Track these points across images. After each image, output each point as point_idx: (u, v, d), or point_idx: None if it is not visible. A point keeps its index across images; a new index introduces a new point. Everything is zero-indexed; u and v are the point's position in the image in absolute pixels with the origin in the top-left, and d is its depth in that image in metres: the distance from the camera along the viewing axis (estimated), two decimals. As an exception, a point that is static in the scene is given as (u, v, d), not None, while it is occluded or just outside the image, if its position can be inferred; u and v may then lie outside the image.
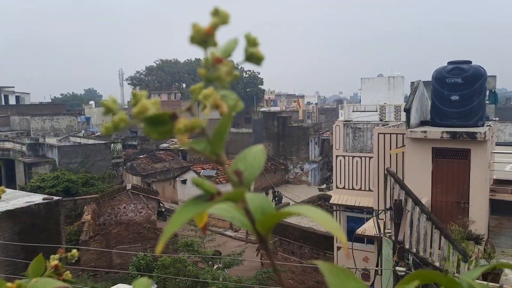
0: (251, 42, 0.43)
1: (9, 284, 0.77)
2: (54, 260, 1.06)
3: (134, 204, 23.96)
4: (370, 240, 15.76)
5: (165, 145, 45.78)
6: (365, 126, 19.20)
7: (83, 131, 46.78)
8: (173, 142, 46.76)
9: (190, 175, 33.51)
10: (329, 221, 0.43)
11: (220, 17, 0.41)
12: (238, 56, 0.44)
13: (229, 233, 28.08)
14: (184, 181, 33.89)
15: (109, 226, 22.04)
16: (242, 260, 17.04)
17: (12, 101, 57.00)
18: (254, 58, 0.44)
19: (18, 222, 12.84)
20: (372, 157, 15.29)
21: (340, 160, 19.06)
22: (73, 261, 1.12)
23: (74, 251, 1.09)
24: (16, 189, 22.28)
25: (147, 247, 19.26)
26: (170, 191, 34.86)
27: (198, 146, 0.44)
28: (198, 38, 0.40)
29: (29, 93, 62.68)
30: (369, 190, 17.37)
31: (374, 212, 12.54)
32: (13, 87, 59.75)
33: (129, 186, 25.27)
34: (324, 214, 0.45)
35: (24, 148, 32.50)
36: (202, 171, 33.69)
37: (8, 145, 34.51)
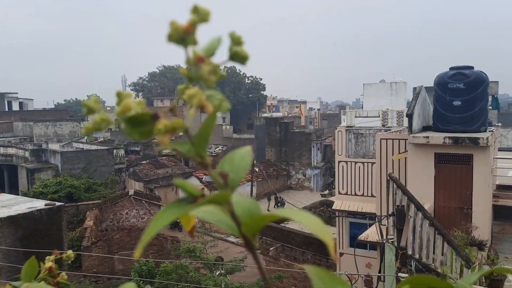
0: (236, 40, 0.42)
1: (-1, 288, 0.76)
2: (48, 262, 1.04)
3: (136, 210, 23.95)
4: (373, 246, 15.67)
5: (167, 150, 45.81)
6: (367, 132, 19.17)
7: (86, 137, 46.86)
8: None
9: (192, 181, 33.49)
10: (317, 225, 0.42)
11: (200, 15, 0.40)
12: (223, 56, 0.43)
13: (231, 239, 27.97)
14: (186, 187, 33.80)
15: (111, 232, 22.00)
16: (244, 266, 16.96)
17: (15, 107, 57.26)
18: (238, 57, 0.43)
19: (20, 228, 12.84)
20: (375, 162, 15.25)
21: (343, 166, 19.01)
22: (69, 262, 1.11)
23: (70, 252, 1.08)
24: (18, 194, 22.31)
25: (149, 253, 19.21)
26: (173, 197, 34.84)
27: (182, 148, 0.43)
28: (176, 36, 0.39)
29: (32, 99, 62.98)
30: (372, 195, 17.30)
31: (376, 218, 12.48)
32: (17, 93, 60.06)
33: (131, 192, 25.26)
34: (312, 217, 0.44)
35: (27, 154, 32.58)
36: (204, 176, 33.67)
37: (11, 150, 34.61)
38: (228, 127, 54.14)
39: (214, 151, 44.22)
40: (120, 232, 20.96)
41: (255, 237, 0.44)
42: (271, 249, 21.14)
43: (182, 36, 0.39)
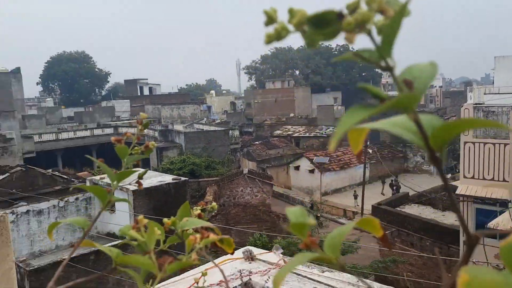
0: None
1: (165, 219, 0.86)
2: (197, 210, 1.15)
3: (250, 188, 25.08)
4: (503, 235, 14.11)
5: (278, 132, 46.79)
6: (499, 110, 17.13)
7: (205, 119, 50.25)
8: (287, 129, 47.52)
9: (303, 162, 33.73)
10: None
11: None
12: None
13: (342, 220, 27.68)
14: (297, 168, 34.17)
15: (228, 207, 23.42)
16: (357, 248, 16.67)
17: (146, 91, 63.74)
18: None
19: (153, 199, 14.41)
20: (508, 143, 13.59)
21: (469, 147, 17.31)
22: (213, 213, 1.19)
23: (214, 204, 1.16)
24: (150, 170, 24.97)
25: (262, 228, 20.03)
26: (284, 177, 35.62)
27: (364, 54, 0.41)
28: None
29: (159, 84, 69.35)
30: (504, 180, 15.50)
31: (509, 204, 11.18)
32: (147, 79, 66.73)
33: (245, 171, 26.51)
34: None
35: (156, 134, 36.21)
36: (315, 158, 33.64)
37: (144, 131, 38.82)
38: (339, 107, 53.00)
39: (325, 132, 43.83)
40: (236, 208, 22.20)
41: (443, 151, 0.40)
42: (385, 232, 20.41)
43: None
